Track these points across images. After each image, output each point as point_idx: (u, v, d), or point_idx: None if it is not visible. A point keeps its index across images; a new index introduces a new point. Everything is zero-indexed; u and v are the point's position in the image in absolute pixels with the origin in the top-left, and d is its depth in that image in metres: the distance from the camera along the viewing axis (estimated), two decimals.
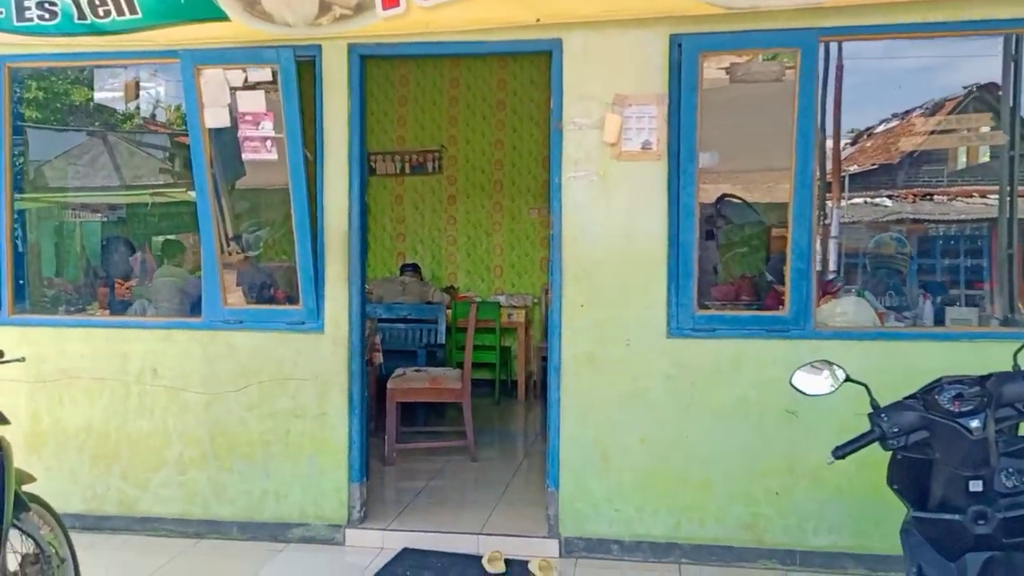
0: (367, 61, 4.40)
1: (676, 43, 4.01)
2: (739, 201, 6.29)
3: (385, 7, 4.07)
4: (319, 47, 4.30)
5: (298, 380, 4.40)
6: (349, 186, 4.36)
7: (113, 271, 6.97)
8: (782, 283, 5.32)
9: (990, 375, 2.40)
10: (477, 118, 8.26)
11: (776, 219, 6.79)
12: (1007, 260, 6.07)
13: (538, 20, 3.98)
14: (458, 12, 4.02)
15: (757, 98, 4.23)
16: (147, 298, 5.84)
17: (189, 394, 4.49)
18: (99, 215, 8.83)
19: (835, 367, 2.68)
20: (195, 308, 4.93)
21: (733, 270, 6.20)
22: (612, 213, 4.13)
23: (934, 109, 10.04)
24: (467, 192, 8.37)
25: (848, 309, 4.29)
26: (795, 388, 2.66)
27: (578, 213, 4.16)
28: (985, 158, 8.37)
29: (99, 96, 8.32)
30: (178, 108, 7.91)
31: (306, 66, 4.34)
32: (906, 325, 4.43)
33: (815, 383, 2.66)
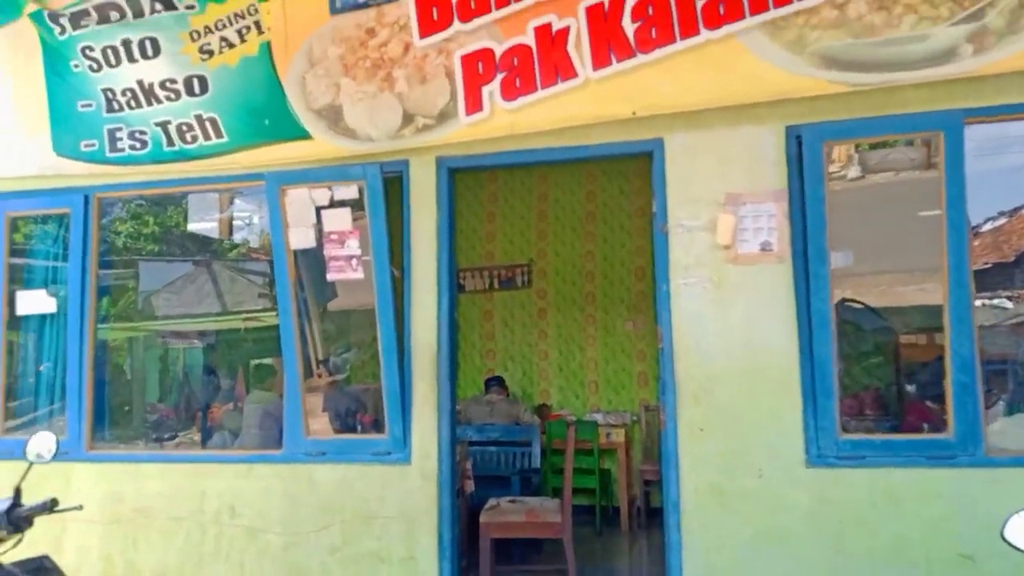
0: (455, 174, 4.17)
1: (794, 135, 3.63)
2: (860, 306, 5.73)
3: (469, 112, 3.86)
4: (406, 162, 4.11)
5: (384, 519, 3.97)
6: (438, 303, 4.05)
7: (207, 397, 6.87)
8: (927, 397, 4.67)
9: None
10: (566, 230, 7.99)
11: (903, 325, 6.18)
12: None
13: (634, 113, 3.67)
14: (545, 111, 3.77)
15: (890, 189, 3.77)
16: (233, 428, 5.60)
17: (268, 535, 4.11)
18: (199, 341, 8.93)
19: None
20: (283, 435, 4.63)
21: (857, 382, 5.58)
22: (730, 323, 3.66)
23: None
24: (558, 305, 8.02)
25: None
26: (1009, 544, 2.08)
27: (691, 323, 3.71)
28: None
29: (196, 226, 8.50)
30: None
31: (392, 181, 4.15)
32: None
33: None
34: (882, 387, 5.60)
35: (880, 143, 4.01)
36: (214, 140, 4.27)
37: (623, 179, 7.76)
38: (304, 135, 4.10)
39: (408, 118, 3.97)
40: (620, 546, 6.83)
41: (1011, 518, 2.11)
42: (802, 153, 3.58)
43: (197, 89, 4.27)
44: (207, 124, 4.27)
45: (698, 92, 3.57)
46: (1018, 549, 2.08)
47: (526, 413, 7.06)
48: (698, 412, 3.67)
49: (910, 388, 5.50)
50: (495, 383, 7.25)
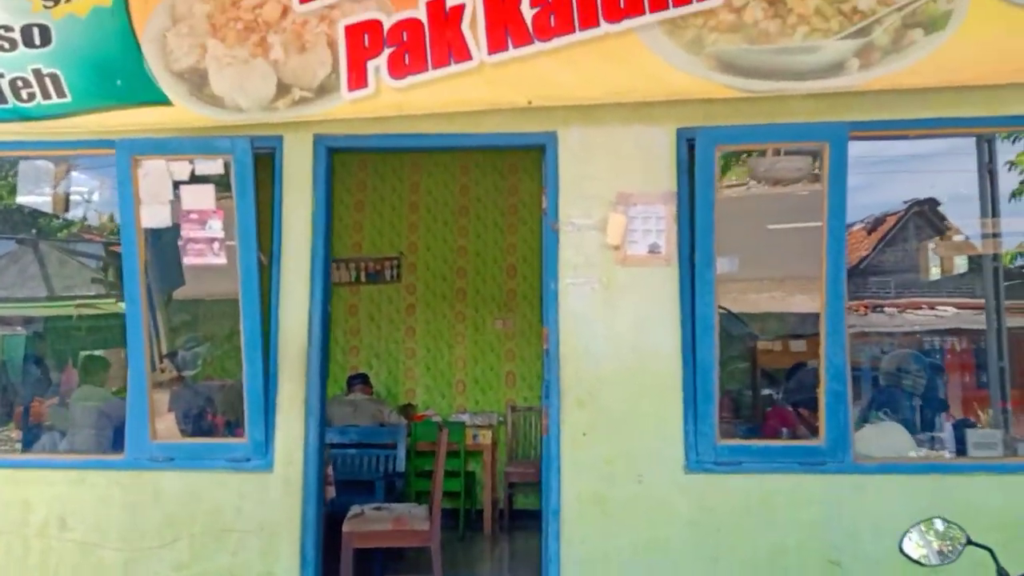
0: (334, 154, 3.87)
1: (685, 138, 3.60)
2: (724, 311, 5.87)
3: (352, 88, 3.57)
4: (280, 138, 3.77)
5: (240, 532, 3.60)
6: (311, 294, 3.74)
7: (31, 391, 6.10)
8: (790, 403, 4.79)
9: None
10: (439, 224, 7.76)
11: (761, 330, 6.39)
12: (999, 374, 5.71)
13: (530, 102, 3.52)
14: (435, 93, 3.55)
15: (774, 199, 3.82)
16: (60, 425, 4.99)
17: (105, 551, 3.64)
18: (23, 329, 8.00)
19: (949, 526, 2.11)
20: (119, 437, 4.13)
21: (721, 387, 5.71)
22: (619, 325, 3.58)
23: (875, 224, 10.05)
24: (427, 301, 7.78)
25: (890, 437, 3.75)
26: (908, 557, 2.07)
27: (579, 325, 3.60)
28: (962, 269, 8.24)
29: (26, 199, 7.60)
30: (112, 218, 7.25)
31: (263, 159, 3.79)
32: (952, 456, 3.89)
33: (930, 549, 2.08)
34: (735, 391, 5.75)
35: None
36: (55, 99, 3.74)
37: (498, 175, 7.63)
38: (162, 100, 3.66)
39: (283, 89, 3.63)
40: (484, 551, 6.70)
41: (907, 532, 2.10)
42: (694, 156, 3.55)
43: (37, 40, 3.73)
44: (47, 81, 3.73)
45: (595, 85, 3.47)
46: (915, 562, 2.07)
47: (392, 413, 6.78)
48: (583, 416, 3.57)
49: (771, 393, 5.69)
50: (359, 381, 6.91)
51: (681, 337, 3.55)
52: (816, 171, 3.79)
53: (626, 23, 3.45)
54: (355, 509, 5.19)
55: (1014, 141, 7.92)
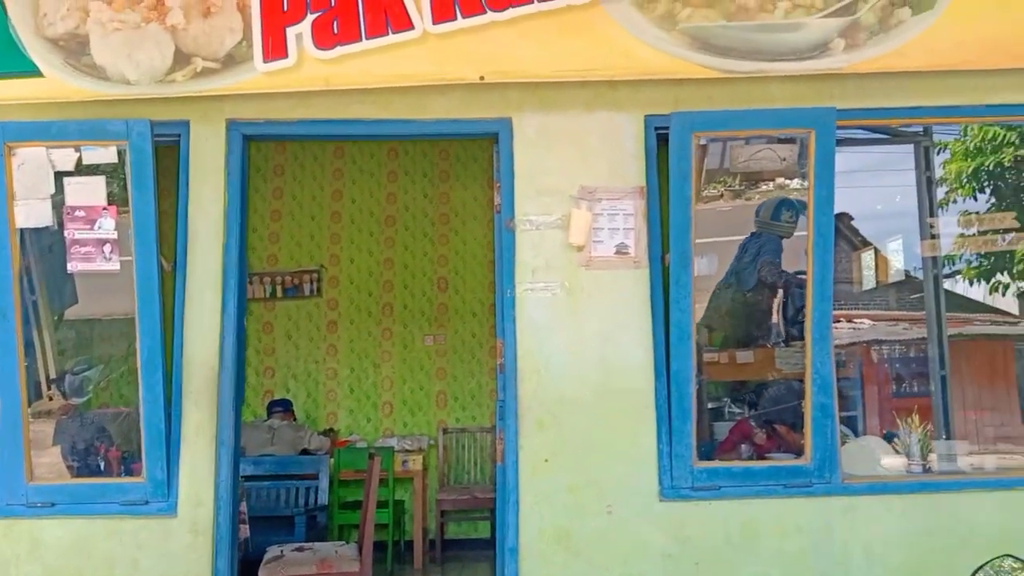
0: (251, 142, 3.34)
1: (652, 126, 3.23)
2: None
3: (268, 58, 3.07)
4: (186, 123, 3.22)
5: None
6: (223, 307, 3.19)
7: None
8: (756, 417, 4.49)
9: None
10: (363, 234, 7.22)
11: (707, 341, 6.10)
12: (941, 383, 5.58)
13: (482, 77, 3.09)
14: (371, 66, 3.09)
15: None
16: None
17: None
18: None
19: (1021, 570, 1.77)
20: None
21: None
22: (584, 336, 3.18)
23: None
24: (351, 317, 7.20)
25: (874, 453, 3.46)
26: None
27: (538, 336, 3.18)
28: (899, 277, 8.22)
29: None
30: None
31: (166, 150, 3.23)
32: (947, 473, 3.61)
33: None
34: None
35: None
36: None
37: (428, 182, 7.17)
38: (31, 70, 3.07)
39: (182, 59, 3.08)
40: None
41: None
42: (664, 147, 3.18)
43: None
44: None
45: (556, 61, 3.07)
46: None
47: (315, 439, 6.19)
48: (544, 440, 3.14)
49: (721, 407, 5.40)
50: (280, 407, 6.30)
51: (654, 348, 3.17)
52: (785, 161, 3.51)
53: None
54: (273, 551, 4.58)
55: (939, 152, 7.97)
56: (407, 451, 6.85)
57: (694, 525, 3.13)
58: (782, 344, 4.64)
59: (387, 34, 3.03)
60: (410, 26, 3.03)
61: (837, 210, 3.16)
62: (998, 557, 1.82)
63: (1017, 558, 1.79)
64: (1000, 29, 3.11)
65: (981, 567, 1.79)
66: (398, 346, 7.16)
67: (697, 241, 3.71)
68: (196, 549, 3.05)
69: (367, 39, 3.03)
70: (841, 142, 4.22)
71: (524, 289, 3.19)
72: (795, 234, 4.10)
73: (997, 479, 3.32)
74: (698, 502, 3.14)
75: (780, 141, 3.27)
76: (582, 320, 3.17)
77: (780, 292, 4.46)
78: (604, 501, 3.11)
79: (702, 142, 3.69)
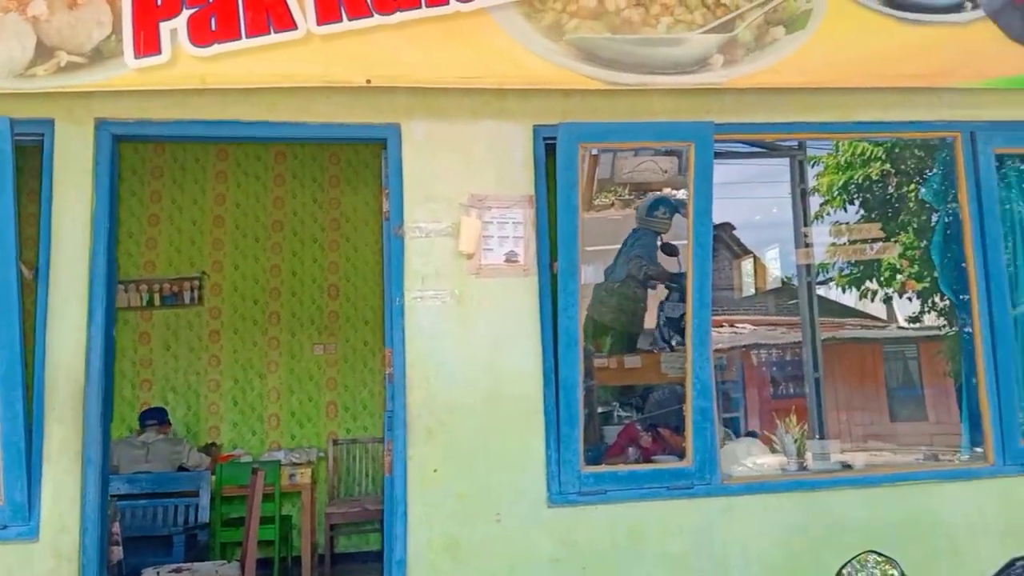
0: (121, 143, 3.16)
1: (541, 136, 3.27)
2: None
3: (139, 53, 2.91)
4: (51, 122, 3.01)
5: None
6: (90, 316, 3.00)
7: None
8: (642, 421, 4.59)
9: None
10: (248, 240, 6.96)
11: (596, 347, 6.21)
12: (815, 384, 5.89)
13: (369, 81, 3.02)
14: (251, 66, 2.97)
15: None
16: None
17: None
18: None
19: (884, 564, 1.87)
20: None
21: None
22: (473, 344, 3.16)
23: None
24: (234, 327, 6.93)
25: (751, 453, 3.59)
26: None
27: (428, 344, 3.14)
28: (776, 284, 8.63)
29: None
30: None
31: (34, 151, 3.02)
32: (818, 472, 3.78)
33: None
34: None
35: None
36: None
37: (317, 187, 7.00)
38: None
39: (45, 52, 2.88)
40: None
41: (841, 572, 1.84)
42: (552, 156, 3.21)
43: None
44: None
45: (445, 68, 3.05)
46: None
47: (193, 453, 5.91)
48: (433, 449, 3.09)
49: (610, 411, 5.49)
50: (153, 419, 5.98)
51: (543, 354, 3.19)
52: (667, 173, 3.61)
53: (478, 2, 3.07)
54: (148, 573, 4.35)
55: (813, 165, 8.41)
56: (295, 464, 6.65)
57: (581, 530, 3.16)
58: (668, 348, 4.79)
59: (269, 33, 2.92)
60: (293, 26, 2.94)
61: (719, 220, 3.29)
62: (863, 553, 1.90)
63: (880, 553, 1.88)
64: (865, 50, 3.29)
65: (847, 563, 1.87)
66: (285, 356, 6.95)
67: (588, 249, 3.79)
68: (60, 575, 2.84)
69: (248, 38, 2.92)
70: (721, 155, 4.42)
71: (413, 297, 3.14)
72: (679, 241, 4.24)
73: (865, 476, 3.49)
74: (585, 507, 3.17)
75: (664, 153, 3.36)
76: (472, 328, 3.15)
77: (664, 291, 4.61)
78: (493, 509, 3.09)
79: (593, 152, 3.76)
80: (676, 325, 4.34)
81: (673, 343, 4.41)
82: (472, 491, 3.10)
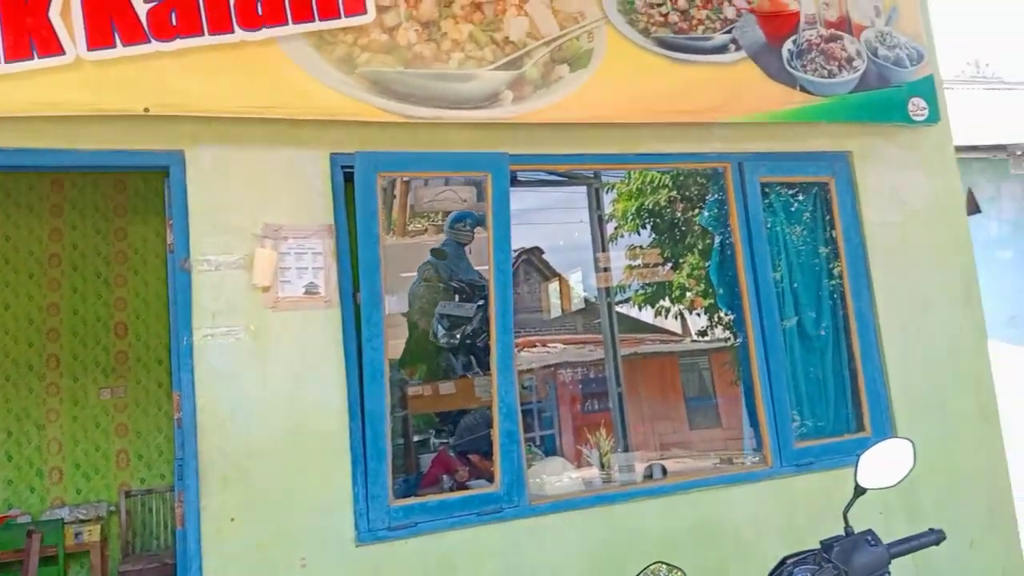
0: None
1: (339, 164, 3.22)
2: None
3: None
4: None
5: None
6: None
7: None
8: (461, 450, 4.61)
9: (831, 544, 2.01)
10: (21, 277, 6.30)
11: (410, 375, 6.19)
12: (618, 398, 6.24)
13: (147, 109, 2.83)
14: (12, 93, 2.69)
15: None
16: None
17: None
18: None
19: (671, 570, 1.98)
20: None
21: None
22: (272, 382, 3.03)
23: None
24: (6, 373, 6.23)
25: (558, 473, 3.69)
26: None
27: (221, 385, 2.97)
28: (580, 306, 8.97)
29: None
30: None
31: None
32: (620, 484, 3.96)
33: None
34: (396, 443, 5.47)
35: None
36: None
37: (100, 216, 6.49)
38: None
39: None
40: None
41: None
42: (351, 185, 3.17)
43: None
44: None
45: (232, 98, 2.92)
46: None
47: None
48: (229, 498, 2.92)
49: (427, 439, 5.46)
50: None
51: (348, 388, 3.12)
52: (466, 202, 3.67)
53: (266, 31, 2.98)
54: None
55: (608, 192, 8.88)
56: (81, 521, 6.09)
57: (392, 566, 3.10)
58: (481, 373, 4.86)
59: (32, 58, 2.67)
60: (60, 51, 2.70)
61: (530, 245, 3.38)
62: (652, 563, 2.00)
63: (668, 563, 1.99)
64: (643, 88, 3.53)
65: (637, 575, 1.96)
66: (67, 402, 6.34)
67: (404, 275, 3.76)
68: None
69: (7, 62, 2.64)
70: (525, 183, 4.58)
71: (203, 335, 2.96)
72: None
73: (660, 486, 3.69)
74: (395, 542, 3.12)
75: (464, 183, 3.42)
76: (270, 365, 3.02)
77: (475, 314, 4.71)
78: (298, 554, 2.97)
79: (399, 180, 3.75)
80: (456, 322, 4.43)
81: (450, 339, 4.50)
82: (274, 538, 2.95)
